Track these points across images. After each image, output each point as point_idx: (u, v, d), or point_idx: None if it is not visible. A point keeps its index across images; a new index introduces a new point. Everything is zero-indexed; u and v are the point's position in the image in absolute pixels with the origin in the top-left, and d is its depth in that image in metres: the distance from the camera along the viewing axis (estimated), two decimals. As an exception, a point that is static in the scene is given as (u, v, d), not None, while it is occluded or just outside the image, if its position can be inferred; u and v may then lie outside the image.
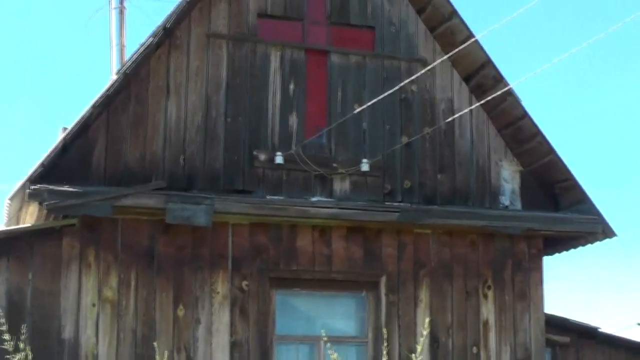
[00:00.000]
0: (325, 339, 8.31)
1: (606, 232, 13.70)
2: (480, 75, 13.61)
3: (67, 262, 11.86)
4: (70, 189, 11.60)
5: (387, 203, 13.01)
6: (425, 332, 7.53)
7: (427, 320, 10.10)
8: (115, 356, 11.84)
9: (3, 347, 7.95)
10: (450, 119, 13.44)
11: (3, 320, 8.50)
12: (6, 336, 7.82)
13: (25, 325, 10.55)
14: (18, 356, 7.58)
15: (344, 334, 12.96)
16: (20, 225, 12.76)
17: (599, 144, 38.78)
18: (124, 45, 15.00)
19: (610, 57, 37.09)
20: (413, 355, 6.95)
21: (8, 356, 7.71)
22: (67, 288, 11.82)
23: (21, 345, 7.52)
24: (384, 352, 7.09)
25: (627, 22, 9.29)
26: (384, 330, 12.45)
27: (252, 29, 13.06)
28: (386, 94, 12.73)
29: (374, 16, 13.60)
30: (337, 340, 12.38)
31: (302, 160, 12.81)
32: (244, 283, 12.39)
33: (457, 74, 13.74)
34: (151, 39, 12.26)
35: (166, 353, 11.59)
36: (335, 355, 7.13)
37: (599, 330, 16.20)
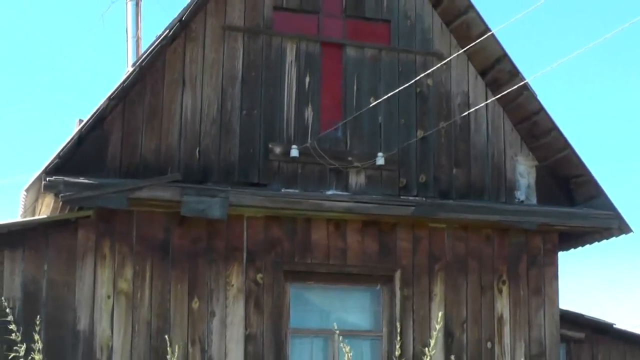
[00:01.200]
0: (337, 332, 8.31)
1: (622, 227, 13.65)
2: (496, 69, 13.58)
3: (83, 253, 11.88)
4: (86, 181, 11.63)
5: (402, 197, 13.00)
6: (438, 326, 7.51)
7: (440, 314, 10.12)
8: (130, 348, 11.86)
9: (10, 338, 7.97)
10: (465, 113, 13.41)
11: (8, 311, 8.53)
12: (12, 326, 7.83)
13: (40, 316, 10.60)
14: (37, 347, 7.58)
15: (358, 327, 12.95)
16: (36, 217, 12.80)
17: (615, 139, 38.64)
18: (139, 38, 15.00)
19: (628, 51, 36.94)
20: (427, 349, 6.93)
21: (16, 347, 7.73)
22: (82, 280, 11.85)
23: (35, 337, 7.53)
24: (397, 347, 7.08)
25: (645, 16, 9.23)
26: (398, 325, 12.44)
27: (267, 22, 13.06)
28: (402, 87, 12.72)
29: (389, 9, 13.58)
30: (351, 334, 12.39)
31: (317, 154, 12.80)
32: (259, 276, 12.39)
33: (473, 68, 13.70)
34: (167, 32, 12.26)
35: (181, 345, 11.69)
36: (348, 349, 7.12)
37: (614, 326, 16.17)
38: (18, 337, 7.76)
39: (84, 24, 37.34)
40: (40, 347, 7.47)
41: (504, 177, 13.64)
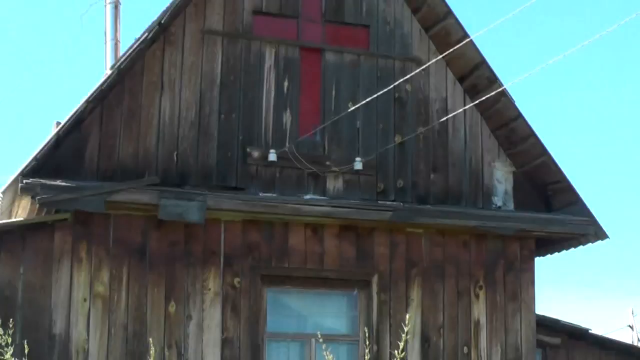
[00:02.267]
0: (320, 338, 8.33)
1: (598, 234, 13.72)
2: (475, 75, 13.63)
3: (59, 256, 11.85)
4: (63, 184, 11.59)
5: (380, 202, 13.02)
6: (407, 328, 7.51)
7: (407, 315, 10.17)
8: (106, 352, 11.83)
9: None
10: (444, 118, 13.45)
11: None
12: (-1, 329, 7.81)
13: (15, 319, 10.56)
14: (10, 351, 7.56)
15: (335, 332, 12.97)
16: (13, 219, 12.74)
17: (592, 146, 38.84)
18: (118, 40, 14.98)
19: (605, 59, 37.15)
20: (396, 351, 6.94)
21: (1, 350, 7.70)
22: (59, 282, 11.81)
23: (9, 340, 7.49)
24: (366, 351, 7.08)
25: (621, 24, 9.31)
26: (365, 329, 12.44)
27: (247, 26, 13.06)
28: (380, 92, 12.74)
29: (369, 15, 13.60)
30: (328, 339, 12.34)
31: (296, 158, 12.81)
32: (236, 280, 12.39)
33: (452, 74, 13.74)
34: (146, 35, 12.25)
35: (157, 349, 11.66)
36: (331, 357, 7.13)
37: (590, 331, 16.23)
38: (3, 341, 7.73)
39: (62, 26, 37.24)
40: (13, 350, 7.44)
41: (482, 183, 13.69)
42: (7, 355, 7.36)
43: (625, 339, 17.33)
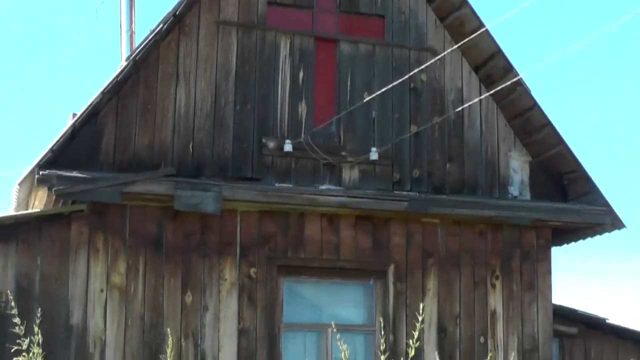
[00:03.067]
0: (334, 327, 8.32)
1: (615, 223, 13.68)
2: (490, 65, 13.60)
3: (76, 247, 11.89)
4: (79, 175, 11.63)
5: (395, 192, 13.01)
6: (421, 317, 7.51)
7: (421, 305, 10.16)
8: (123, 342, 11.87)
9: (13, 331, 7.98)
10: (459, 108, 13.43)
11: (14, 304, 8.53)
12: (17, 320, 7.84)
13: (32, 310, 10.58)
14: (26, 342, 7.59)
15: (352, 322, 12.97)
16: (29, 211, 12.79)
17: (609, 135, 38.69)
18: (133, 32, 14.96)
19: (622, 47, 36.99)
20: (411, 341, 6.93)
21: (19, 340, 7.73)
22: (75, 273, 11.85)
23: (35, 329, 7.54)
24: (382, 341, 7.09)
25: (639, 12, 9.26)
26: (380, 319, 12.44)
27: (261, 17, 13.06)
28: (395, 83, 12.73)
29: (383, 5, 13.58)
30: (344, 329, 12.40)
31: (311, 149, 12.81)
32: (252, 270, 12.40)
33: (467, 63, 13.72)
34: (161, 26, 12.27)
35: (174, 339, 11.69)
36: (345, 347, 7.12)
37: (607, 321, 16.18)
38: (21, 331, 7.77)
39: (78, 18, 37.31)
40: (40, 341, 7.49)
41: (498, 172, 13.66)
42: (34, 347, 7.40)
43: (642, 328, 17.25)
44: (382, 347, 7.20)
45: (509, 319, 13.31)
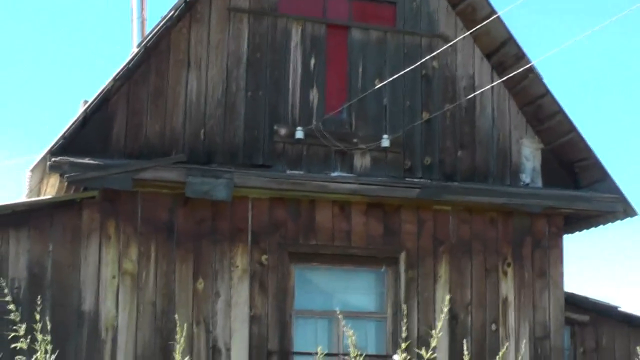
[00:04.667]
0: (339, 314, 8.32)
1: (627, 211, 13.65)
2: (502, 52, 13.55)
3: (87, 234, 11.91)
4: (91, 162, 11.65)
5: (407, 179, 13.00)
6: (445, 309, 7.49)
7: (447, 297, 10.14)
8: (135, 328, 11.89)
9: (10, 318, 7.96)
10: (471, 95, 13.40)
11: (7, 291, 8.51)
12: (11, 306, 7.82)
13: (44, 297, 10.62)
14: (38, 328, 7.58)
15: (363, 309, 12.99)
16: (41, 197, 12.82)
17: (622, 122, 38.56)
18: (145, 18, 14.97)
19: (635, 34, 36.81)
20: (433, 331, 6.90)
21: (14, 327, 7.72)
22: (87, 260, 11.88)
23: (37, 317, 7.52)
24: (404, 329, 7.07)
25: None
26: (404, 306, 12.47)
27: (273, 3, 13.03)
28: (407, 70, 12.70)
29: (395, -8, 13.54)
30: (355, 316, 12.45)
31: (322, 136, 12.80)
32: (263, 257, 12.41)
33: (479, 50, 13.68)
34: (172, 12, 12.26)
35: (185, 326, 11.70)
36: (351, 332, 7.10)
37: (619, 309, 16.15)
38: (17, 317, 7.75)
39: (89, 4, 37.32)
40: (49, 328, 7.48)
41: (509, 160, 13.63)
42: (37, 334, 7.39)
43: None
44: (403, 335, 7.16)
45: (521, 306, 13.30)
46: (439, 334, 7.00)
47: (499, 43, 13.52)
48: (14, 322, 7.30)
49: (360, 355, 6.82)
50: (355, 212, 12.83)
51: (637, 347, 12.94)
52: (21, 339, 7.24)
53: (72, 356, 11.57)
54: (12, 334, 7.44)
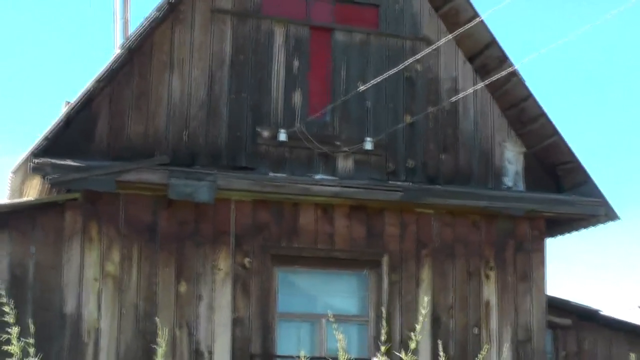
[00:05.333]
0: (331, 317, 8.30)
1: (609, 215, 13.68)
2: (485, 55, 13.58)
3: (70, 236, 11.85)
4: (74, 163, 11.59)
5: (390, 182, 13.00)
6: (424, 312, 7.48)
7: (425, 299, 10.11)
8: (117, 331, 11.84)
9: (4, 319, 7.92)
10: (454, 98, 13.41)
11: (3, 293, 8.45)
12: (7, 308, 7.78)
13: (26, 299, 10.57)
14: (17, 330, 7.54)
15: (346, 312, 12.96)
16: (23, 199, 12.75)
17: (604, 126, 38.72)
18: (128, 20, 14.90)
19: (616, 39, 37.00)
20: (412, 334, 6.89)
21: (9, 329, 7.67)
22: (70, 262, 11.82)
23: (27, 319, 7.49)
24: (383, 331, 7.06)
25: (634, 1, 9.25)
26: (382, 309, 12.45)
27: (256, 5, 13.02)
28: (390, 72, 12.70)
29: (378, -6, 13.55)
30: (338, 319, 12.38)
31: (306, 138, 12.78)
32: (246, 260, 12.38)
33: (462, 53, 13.70)
34: (155, 14, 12.23)
35: (168, 329, 11.66)
36: (341, 336, 7.08)
37: (600, 312, 16.21)
38: (12, 320, 7.70)
39: (72, 5, 37.21)
40: (32, 330, 7.43)
41: (492, 163, 13.65)
42: (14, 335, 7.34)
43: (635, 319, 17.26)
44: (382, 339, 7.15)
45: (503, 309, 13.31)
46: (419, 337, 6.99)
47: (482, 46, 13.54)
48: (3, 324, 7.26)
49: (348, 359, 6.81)
50: (338, 215, 12.82)
51: (631, 354, 12.93)
52: (12, 342, 7.19)
53: (55, 359, 11.50)
54: (5, 337, 7.40)
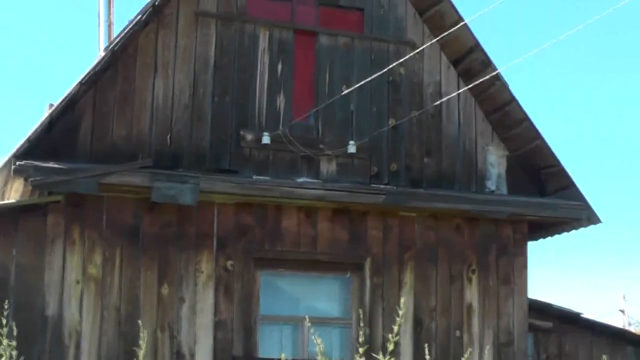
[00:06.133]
0: (308, 322, 8.30)
1: (591, 218, 13.74)
2: (469, 59, 13.61)
3: (52, 238, 11.83)
4: (56, 166, 11.57)
5: (373, 185, 13.02)
6: (401, 312, 7.50)
7: (402, 300, 10.16)
8: (99, 334, 11.83)
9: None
10: (437, 102, 13.45)
11: None
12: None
13: (8, 301, 10.52)
14: (4, 332, 7.54)
15: (328, 315, 12.98)
16: (5, 201, 12.71)
17: (587, 131, 38.88)
18: (112, 22, 14.93)
19: (602, 43, 37.14)
20: (390, 335, 6.93)
21: None
22: (51, 265, 11.80)
23: (4, 321, 7.48)
24: (360, 333, 7.07)
25: (617, 8, 9.29)
26: (360, 311, 12.47)
27: (241, 8, 13.02)
28: (374, 76, 12.72)
29: (363, -2, 13.57)
30: (320, 322, 12.43)
31: (289, 141, 12.80)
32: (229, 263, 12.39)
33: (446, 57, 13.73)
34: (139, 16, 12.21)
35: (150, 331, 11.67)
36: (319, 341, 7.10)
37: (582, 315, 16.29)
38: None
39: (56, 8, 37.13)
40: (15, 333, 7.44)
41: (475, 166, 13.69)
42: (3, 338, 7.35)
43: (616, 323, 17.37)
44: (360, 340, 7.17)
45: (485, 313, 13.36)
46: (396, 338, 7.03)
47: (465, 50, 13.58)
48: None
49: (328, 361, 6.83)
50: (321, 218, 12.84)
51: (603, 356, 13.02)
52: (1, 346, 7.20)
53: (36, 361, 11.49)
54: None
